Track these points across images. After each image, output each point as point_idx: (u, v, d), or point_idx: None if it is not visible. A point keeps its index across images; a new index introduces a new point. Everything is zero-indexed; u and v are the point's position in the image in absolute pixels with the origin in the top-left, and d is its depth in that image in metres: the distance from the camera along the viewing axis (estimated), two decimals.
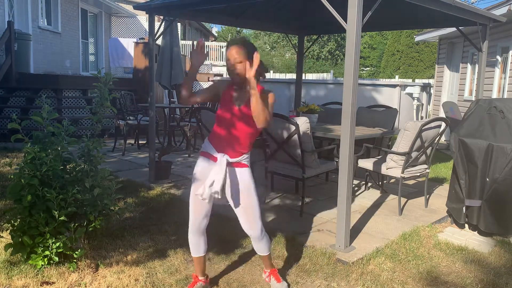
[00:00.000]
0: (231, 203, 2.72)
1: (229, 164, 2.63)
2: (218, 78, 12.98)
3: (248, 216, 2.70)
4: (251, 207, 2.69)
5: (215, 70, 19.89)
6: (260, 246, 2.80)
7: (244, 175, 2.71)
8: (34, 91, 9.32)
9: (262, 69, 2.61)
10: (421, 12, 5.09)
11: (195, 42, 2.66)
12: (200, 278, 2.86)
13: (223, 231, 3.75)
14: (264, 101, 2.50)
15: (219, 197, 2.62)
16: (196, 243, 2.79)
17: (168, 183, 5.50)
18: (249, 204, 2.69)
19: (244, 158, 2.71)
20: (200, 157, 2.76)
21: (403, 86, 11.14)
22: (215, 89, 2.78)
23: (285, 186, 5.42)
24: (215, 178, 2.58)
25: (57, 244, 2.97)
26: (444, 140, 9.59)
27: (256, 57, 2.43)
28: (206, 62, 20.99)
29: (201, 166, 2.73)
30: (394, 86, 11.14)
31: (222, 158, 2.62)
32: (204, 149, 2.75)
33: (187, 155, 7.53)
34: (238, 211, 2.73)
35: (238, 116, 2.63)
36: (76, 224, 3.12)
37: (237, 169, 2.70)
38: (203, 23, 25.00)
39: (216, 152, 2.66)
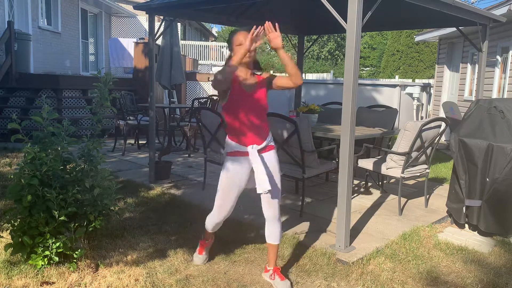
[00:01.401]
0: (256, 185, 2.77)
1: (258, 152, 2.74)
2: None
3: (270, 195, 2.79)
4: (274, 189, 2.79)
5: (215, 70, 19.89)
6: (273, 230, 2.86)
7: (271, 158, 2.83)
8: (34, 91, 9.32)
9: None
10: (421, 12, 5.09)
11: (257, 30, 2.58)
12: (207, 241, 3.18)
13: (223, 231, 3.74)
14: (273, 78, 2.75)
15: (259, 189, 2.71)
16: (215, 226, 3.04)
17: (168, 183, 5.50)
18: (273, 185, 2.78)
19: (270, 140, 2.84)
20: (228, 159, 2.84)
21: (403, 86, 11.15)
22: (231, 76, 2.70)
23: (285, 186, 5.41)
24: (259, 171, 2.69)
25: (57, 244, 2.97)
26: (444, 140, 9.59)
27: (269, 24, 2.56)
28: (206, 62, 21.01)
29: (233, 168, 2.80)
30: (394, 86, 11.14)
31: (253, 150, 2.72)
32: (229, 149, 2.83)
33: (187, 155, 7.53)
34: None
35: (252, 101, 2.72)
36: (76, 224, 3.12)
37: (265, 154, 2.81)
38: (203, 23, 25.01)
39: (244, 147, 2.75)
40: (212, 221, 3.02)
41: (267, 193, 2.74)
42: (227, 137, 2.86)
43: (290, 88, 2.79)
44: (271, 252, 2.93)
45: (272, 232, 2.88)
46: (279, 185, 2.86)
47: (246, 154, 2.76)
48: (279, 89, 2.85)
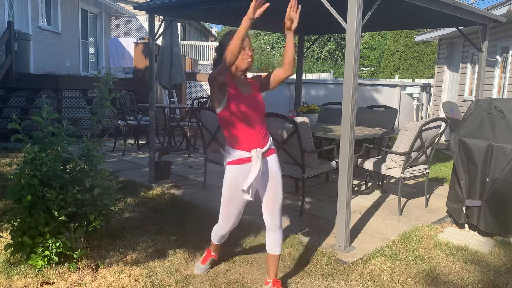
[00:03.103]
0: (260, 191, 2.73)
1: (262, 156, 2.62)
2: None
3: (271, 203, 2.69)
4: (275, 197, 2.70)
5: None
6: (274, 239, 2.71)
7: (273, 162, 2.72)
8: (34, 91, 9.32)
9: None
10: (421, 12, 5.09)
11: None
12: (213, 253, 3.08)
13: None
14: (266, 75, 2.71)
15: (253, 192, 2.65)
16: (221, 238, 2.95)
17: (168, 183, 5.50)
18: (274, 193, 2.70)
19: (271, 144, 2.74)
20: (230, 168, 2.65)
21: (403, 86, 11.15)
22: (223, 83, 2.58)
23: (285, 186, 5.41)
24: (251, 176, 2.58)
25: (57, 244, 2.97)
26: (444, 140, 9.59)
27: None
28: (206, 62, 21.01)
29: (236, 177, 2.63)
30: (394, 86, 11.14)
31: (257, 153, 2.57)
32: (231, 158, 2.64)
33: (187, 155, 7.53)
34: (264, 198, 2.71)
35: (252, 102, 2.63)
36: (76, 224, 3.12)
37: (269, 158, 2.71)
38: (203, 23, 25.01)
39: (248, 152, 2.59)
40: (218, 233, 2.92)
41: (250, 200, 2.64)
42: (227, 145, 2.69)
43: (282, 80, 2.81)
44: (272, 263, 2.76)
45: (272, 241, 2.72)
46: (280, 193, 2.73)
47: (249, 160, 2.59)
48: (275, 85, 2.82)
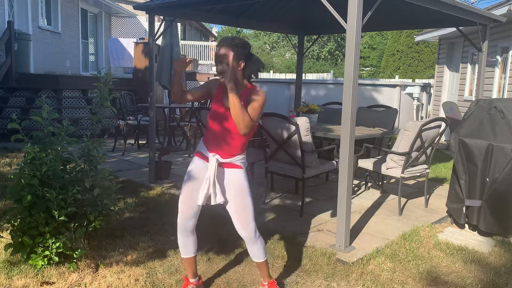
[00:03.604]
0: (224, 203, 2.65)
1: (220, 165, 2.59)
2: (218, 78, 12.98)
3: (240, 217, 2.60)
4: (243, 209, 2.60)
5: (215, 70, 19.87)
6: (254, 250, 2.66)
7: (236, 177, 2.61)
8: (34, 91, 9.32)
9: (254, 67, 2.59)
10: (421, 12, 5.09)
11: (187, 59, 2.66)
12: (191, 280, 2.78)
13: (223, 231, 3.74)
14: (249, 103, 2.47)
15: (213, 201, 2.59)
16: (184, 243, 2.69)
17: (168, 183, 5.50)
18: (241, 206, 2.60)
19: (237, 160, 2.61)
20: (195, 157, 2.71)
21: (403, 86, 11.15)
22: (208, 87, 2.70)
23: (285, 186, 5.42)
24: (207, 181, 2.57)
25: (57, 244, 2.97)
26: (444, 140, 9.59)
27: (230, 59, 2.47)
28: (206, 62, 21.01)
29: (195, 165, 2.68)
30: (394, 86, 11.14)
31: (213, 158, 2.56)
32: (198, 149, 2.70)
33: (187, 155, 7.53)
34: (230, 212, 2.65)
35: (226, 117, 2.53)
36: (76, 224, 3.12)
37: (230, 170, 2.61)
38: (203, 23, 25.01)
39: (208, 152, 2.60)
40: (178, 236, 2.69)
41: (219, 203, 2.60)
42: (202, 137, 2.75)
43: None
44: (261, 269, 2.75)
45: (252, 252, 2.67)
46: (247, 205, 2.60)
47: (207, 159, 2.60)
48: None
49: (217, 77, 2.58)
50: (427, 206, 4.85)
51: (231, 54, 2.49)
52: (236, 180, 2.62)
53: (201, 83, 12.95)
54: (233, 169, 2.62)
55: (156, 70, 7.49)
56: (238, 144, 2.58)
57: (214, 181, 2.57)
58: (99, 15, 15.99)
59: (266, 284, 2.76)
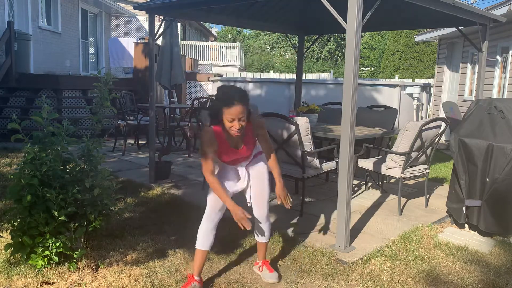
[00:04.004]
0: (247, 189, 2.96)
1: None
2: (218, 78, 12.99)
3: (258, 197, 2.91)
4: (262, 190, 2.92)
5: (215, 70, 19.90)
6: (262, 229, 2.97)
7: (258, 163, 2.94)
8: (34, 91, 9.32)
9: (251, 109, 2.74)
10: (421, 12, 5.09)
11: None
12: (196, 278, 2.84)
13: (223, 231, 3.74)
14: (258, 133, 2.82)
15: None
16: (206, 234, 2.83)
17: (168, 183, 5.50)
18: (260, 187, 2.92)
19: (255, 152, 2.93)
20: (224, 169, 2.95)
21: (403, 86, 11.15)
22: (212, 145, 2.70)
23: (285, 186, 5.40)
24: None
25: (57, 244, 2.97)
26: (444, 140, 9.59)
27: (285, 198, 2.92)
28: (206, 62, 21.02)
29: (222, 165, 2.93)
30: (394, 86, 11.14)
31: (242, 170, 2.92)
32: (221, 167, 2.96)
33: (187, 155, 7.53)
34: (252, 193, 2.93)
35: (241, 153, 2.83)
36: (76, 224, 3.12)
37: (253, 160, 2.94)
38: (203, 23, 25.01)
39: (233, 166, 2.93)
40: (203, 225, 2.86)
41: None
42: (217, 172, 2.95)
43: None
44: (260, 249, 3.07)
45: (260, 231, 2.98)
46: (266, 187, 2.95)
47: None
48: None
49: (210, 129, 2.69)
50: (427, 206, 4.85)
51: (245, 111, 2.63)
52: (258, 166, 2.95)
53: (201, 83, 12.96)
54: (255, 158, 2.96)
55: (156, 70, 7.49)
56: (252, 151, 2.93)
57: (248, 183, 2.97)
58: (99, 15, 15.99)
59: (261, 262, 3.07)
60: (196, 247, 2.85)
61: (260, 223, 2.97)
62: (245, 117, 2.59)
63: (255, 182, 2.93)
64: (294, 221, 4.23)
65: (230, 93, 2.61)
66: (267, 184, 2.95)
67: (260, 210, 2.94)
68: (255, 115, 2.80)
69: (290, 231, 3.92)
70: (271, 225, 3.05)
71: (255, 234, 3.03)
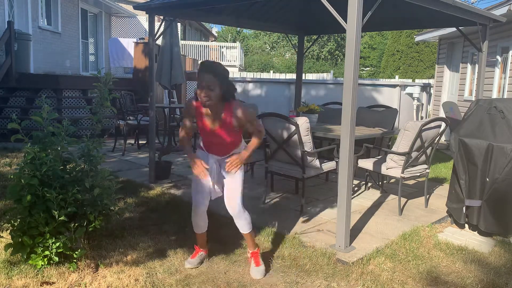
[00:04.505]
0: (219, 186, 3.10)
1: (219, 160, 3.05)
2: None
3: (229, 196, 3.03)
4: (233, 189, 3.02)
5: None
6: (239, 223, 3.08)
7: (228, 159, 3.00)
8: (34, 91, 9.32)
9: (232, 91, 2.85)
10: (421, 12, 5.09)
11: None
12: (201, 249, 3.24)
13: (223, 231, 3.75)
14: (238, 118, 2.84)
15: (213, 195, 3.10)
16: (197, 223, 3.15)
17: (168, 183, 5.50)
18: (231, 186, 3.02)
19: (233, 154, 3.01)
20: (198, 149, 3.15)
21: (403, 86, 11.15)
22: (190, 115, 3.01)
23: (285, 186, 5.42)
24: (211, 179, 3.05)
25: (57, 244, 2.97)
26: (444, 140, 9.59)
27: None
28: None
29: (199, 156, 3.06)
30: (394, 86, 11.15)
31: (212, 160, 3.01)
32: (200, 144, 3.15)
33: (187, 155, 7.52)
34: (224, 192, 3.08)
35: (217, 136, 2.93)
36: (76, 224, 3.12)
37: (226, 159, 3.01)
38: (203, 23, 25.01)
39: (207, 153, 3.05)
40: (192, 215, 3.14)
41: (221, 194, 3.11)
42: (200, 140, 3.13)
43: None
44: (246, 239, 3.18)
45: (239, 225, 3.09)
46: (235, 184, 3.02)
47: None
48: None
49: (190, 100, 2.93)
50: (427, 206, 4.85)
51: (216, 83, 2.74)
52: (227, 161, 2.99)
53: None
54: (228, 156, 3.03)
55: (156, 70, 7.48)
56: (232, 147, 3.02)
57: (216, 176, 3.04)
58: (99, 15, 15.98)
59: (250, 253, 3.17)
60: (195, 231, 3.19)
61: (236, 218, 3.07)
62: (214, 88, 2.72)
63: (227, 179, 3.03)
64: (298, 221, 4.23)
65: (204, 63, 2.80)
66: (238, 180, 3.02)
67: (231, 209, 3.04)
68: (244, 105, 2.90)
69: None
70: (249, 216, 3.12)
71: (238, 227, 3.14)
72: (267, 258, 3.31)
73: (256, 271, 3.08)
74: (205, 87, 2.71)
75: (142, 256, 3.30)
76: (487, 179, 3.79)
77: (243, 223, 3.08)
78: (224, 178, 3.06)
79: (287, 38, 7.70)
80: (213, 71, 2.72)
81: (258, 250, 3.18)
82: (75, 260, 3.07)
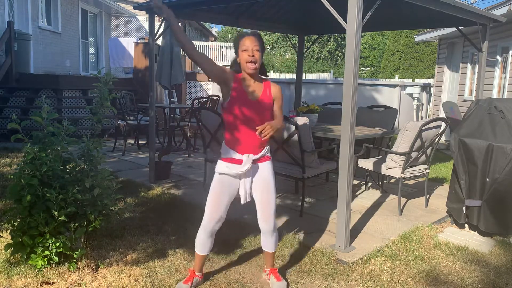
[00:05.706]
0: (253, 196, 2.79)
1: (253, 162, 2.70)
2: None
3: (264, 210, 2.77)
4: (268, 202, 2.76)
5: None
6: (269, 242, 2.86)
7: (265, 170, 2.76)
8: (34, 91, 9.32)
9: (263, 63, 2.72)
10: (421, 12, 5.10)
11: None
12: (197, 274, 2.91)
13: (223, 231, 3.74)
14: (276, 98, 2.72)
15: (242, 200, 2.74)
16: (204, 243, 2.82)
17: (168, 183, 5.50)
18: (266, 200, 2.76)
19: (267, 151, 2.77)
20: (221, 161, 2.76)
21: (403, 86, 11.15)
22: (224, 73, 2.65)
23: (285, 186, 5.41)
24: (246, 183, 2.72)
25: (57, 244, 2.97)
26: (444, 140, 9.59)
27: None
28: None
29: (223, 169, 2.71)
30: (394, 86, 11.15)
31: (248, 159, 2.66)
32: (224, 155, 2.75)
33: (187, 155, 7.53)
34: (257, 204, 2.80)
35: (255, 110, 2.64)
36: (76, 224, 3.12)
37: (260, 164, 2.75)
38: (203, 23, 25.00)
39: (239, 154, 2.69)
40: (201, 234, 2.80)
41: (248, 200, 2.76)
42: (223, 142, 2.79)
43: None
44: (268, 258, 2.98)
45: (266, 244, 2.89)
46: (272, 199, 2.78)
47: (240, 162, 2.68)
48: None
49: (232, 71, 2.69)
50: (427, 206, 4.85)
51: (260, 45, 2.60)
52: (265, 172, 2.77)
53: (201, 83, 12.94)
54: (263, 163, 2.77)
55: (156, 70, 7.48)
56: (264, 141, 2.71)
57: (249, 183, 2.73)
58: (99, 15, 15.98)
59: (269, 270, 2.98)
60: (195, 251, 2.88)
61: (267, 236, 2.84)
62: (259, 50, 2.58)
63: (260, 192, 2.76)
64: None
65: (243, 31, 2.67)
66: (273, 195, 2.77)
67: (267, 223, 2.78)
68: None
69: None
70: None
71: (262, 245, 2.93)
72: None
73: (279, 285, 2.87)
74: (252, 48, 2.56)
75: (142, 256, 3.30)
76: (487, 179, 3.79)
77: (274, 241, 2.86)
78: (256, 185, 2.75)
79: (287, 38, 7.70)
80: (257, 34, 2.60)
81: (276, 268, 3.01)
82: (75, 260, 3.07)
